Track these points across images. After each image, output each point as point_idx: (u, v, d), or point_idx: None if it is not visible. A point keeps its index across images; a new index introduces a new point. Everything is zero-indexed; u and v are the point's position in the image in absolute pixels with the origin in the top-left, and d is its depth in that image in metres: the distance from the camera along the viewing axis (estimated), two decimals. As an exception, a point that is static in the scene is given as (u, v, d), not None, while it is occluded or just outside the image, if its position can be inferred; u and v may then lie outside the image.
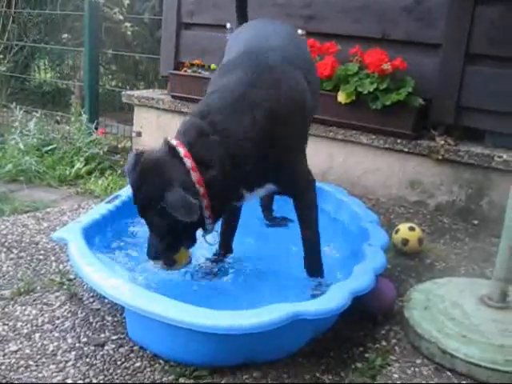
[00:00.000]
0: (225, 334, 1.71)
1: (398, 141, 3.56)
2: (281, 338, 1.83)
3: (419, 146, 3.52)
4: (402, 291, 2.45)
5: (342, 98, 3.61)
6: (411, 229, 2.92)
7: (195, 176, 1.98)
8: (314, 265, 2.39)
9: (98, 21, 4.81)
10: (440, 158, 3.45)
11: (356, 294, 1.94)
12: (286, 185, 2.24)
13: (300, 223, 2.35)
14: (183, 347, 1.83)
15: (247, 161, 2.06)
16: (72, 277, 2.44)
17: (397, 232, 2.92)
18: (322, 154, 3.77)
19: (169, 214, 1.92)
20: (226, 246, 2.54)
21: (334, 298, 1.87)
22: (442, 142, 3.49)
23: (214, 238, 2.30)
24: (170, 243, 2.11)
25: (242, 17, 2.98)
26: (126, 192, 2.77)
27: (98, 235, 2.41)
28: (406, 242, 2.87)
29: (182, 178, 1.97)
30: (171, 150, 2.02)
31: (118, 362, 1.89)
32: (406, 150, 3.55)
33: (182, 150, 2.00)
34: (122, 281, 1.92)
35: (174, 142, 2.03)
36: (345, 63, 3.67)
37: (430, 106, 3.62)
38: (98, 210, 2.56)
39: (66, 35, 6.18)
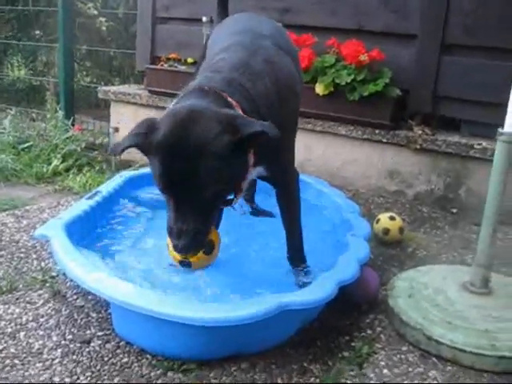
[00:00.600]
0: (213, 326, 1.70)
1: (377, 131, 3.58)
2: (269, 329, 1.83)
3: (397, 137, 3.54)
4: (385, 280, 2.47)
5: (319, 89, 3.61)
6: (392, 218, 2.94)
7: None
8: (296, 255, 2.39)
9: (72, 16, 4.73)
10: (418, 147, 3.48)
11: (342, 283, 1.95)
12: (276, 170, 2.16)
13: (283, 214, 2.35)
14: (170, 341, 1.82)
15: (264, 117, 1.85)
16: (54, 274, 2.41)
17: (377, 222, 2.94)
18: (300, 146, 3.68)
19: (227, 159, 1.62)
20: None
21: (320, 289, 1.88)
22: (420, 132, 3.52)
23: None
24: (208, 217, 1.72)
25: (224, 10, 2.97)
26: (106, 188, 2.75)
27: (80, 231, 2.37)
28: (387, 231, 2.90)
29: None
30: (205, 91, 1.76)
31: (105, 358, 1.87)
32: (384, 140, 3.57)
33: (216, 90, 1.76)
34: (106, 275, 1.89)
35: (204, 87, 1.78)
36: (322, 55, 3.68)
37: (408, 97, 3.65)
38: (78, 206, 2.53)
39: (38, 32, 6.10)
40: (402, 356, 2.02)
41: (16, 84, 6.81)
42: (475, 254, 2.22)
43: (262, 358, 1.91)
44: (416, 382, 1.88)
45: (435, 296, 2.22)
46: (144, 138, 1.67)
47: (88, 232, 2.45)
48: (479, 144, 3.32)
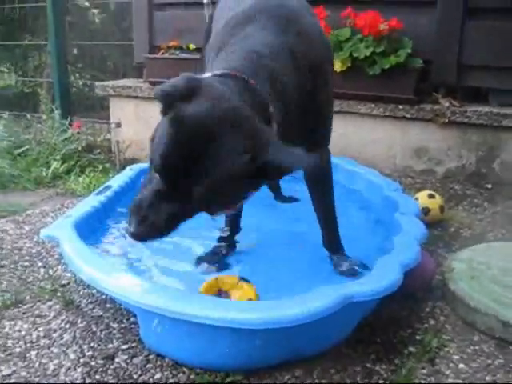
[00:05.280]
0: (264, 329, 1.41)
1: (400, 107, 3.31)
2: (327, 327, 1.54)
3: (422, 111, 3.27)
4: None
5: (336, 66, 3.33)
6: (431, 196, 2.69)
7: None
8: (334, 240, 2.16)
9: (63, 11, 4.44)
10: (446, 121, 3.21)
11: (406, 267, 1.67)
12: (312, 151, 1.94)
13: (315, 197, 2.11)
14: (212, 350, 1.53)
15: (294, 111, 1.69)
16: (65, 282, 2.12)
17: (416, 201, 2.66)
18: (318, 129, 3.50)
19: (236, 178, 1.41)
20: (233, 225, 2.29)
21: (385, 275, 1.60)
22: (447, 104, 3.25)
23: None
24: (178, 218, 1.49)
25: None
26: (117, 182, 2.47)
27: (91, 230, 2.09)
28: (427, 210, 2.63)
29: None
30: (250, 88, 1.52)
31: (134, 376, 1.59)
32: (408, 116, 3.31)
33: (259, 90, 1.53)
34: (131, 278, 1.60)
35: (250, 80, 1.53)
36: (336, 29, 3.40)
37: (430, 68, 3.37)
38: (88, 202, 2.25)
39: (27, 35, 5.81)
40: (476, 347, 1.76)
41: (6, 91, 6.51)
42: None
43: (318, 362, 1.63)
44: (499, 375, 1.61)
45: (503, 277, 1.95)
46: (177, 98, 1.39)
47: (100, 230, 2.17)
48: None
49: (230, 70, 1.53)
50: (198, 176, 1.37)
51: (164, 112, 1.43)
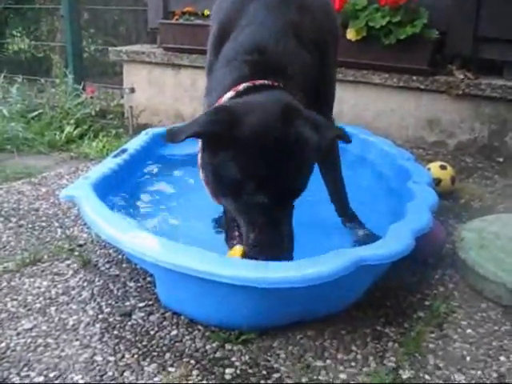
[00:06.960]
0: (276, 289, 1.45)
1: (414, 78, 3.30)
2: (339, 289, 1.58)
3: (437, 82, 3.26)
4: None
5: (351, 35, 3.32)
6: (443, 167, 2.71)
7: None
8: (344, 206, 2.20)
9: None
10: (460, 93, 3.20)
11: (418, 233, 1.70)
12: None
13: (322, 165, 2.14)
14: (227, 309, 1.57)
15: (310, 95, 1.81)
16: (82, 242, 2.17)
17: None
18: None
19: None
20: None
21: (398, 240, 1.63)
22: (462, 76, 3.23)
23: None
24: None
25: None
26: (133, 145, 2.50)
27: (109, 191, 2.14)
28: (438, 181, 2.65)
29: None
30: (272, 87, 1.66)
31: (151, 332, 1.64)
32: (422, 87, 3.29)
33: (280, 85, 1.67)
34: (153, 237, 1.63)
35: (270, 82, 1.65)
36: (352, -2, 3.38)
37: (446, 39, 3.35)
38: (106, 164, 2.27)
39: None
40: (484, 314, 1.80)
41: (19, 55, 6.50)
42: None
43: (329, 323, 1.68)
44: (506, 341, 1.65)
45: (512, 246, 1.98)
46: (226, 128, 1.46)
47: (118, 192, 2.21)
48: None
49: (250, 81, 1.64)
50: (292, 178, 1.50)
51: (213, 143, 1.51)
